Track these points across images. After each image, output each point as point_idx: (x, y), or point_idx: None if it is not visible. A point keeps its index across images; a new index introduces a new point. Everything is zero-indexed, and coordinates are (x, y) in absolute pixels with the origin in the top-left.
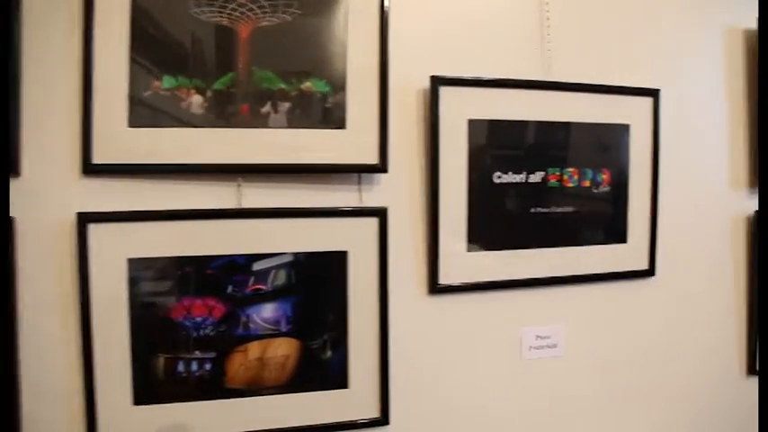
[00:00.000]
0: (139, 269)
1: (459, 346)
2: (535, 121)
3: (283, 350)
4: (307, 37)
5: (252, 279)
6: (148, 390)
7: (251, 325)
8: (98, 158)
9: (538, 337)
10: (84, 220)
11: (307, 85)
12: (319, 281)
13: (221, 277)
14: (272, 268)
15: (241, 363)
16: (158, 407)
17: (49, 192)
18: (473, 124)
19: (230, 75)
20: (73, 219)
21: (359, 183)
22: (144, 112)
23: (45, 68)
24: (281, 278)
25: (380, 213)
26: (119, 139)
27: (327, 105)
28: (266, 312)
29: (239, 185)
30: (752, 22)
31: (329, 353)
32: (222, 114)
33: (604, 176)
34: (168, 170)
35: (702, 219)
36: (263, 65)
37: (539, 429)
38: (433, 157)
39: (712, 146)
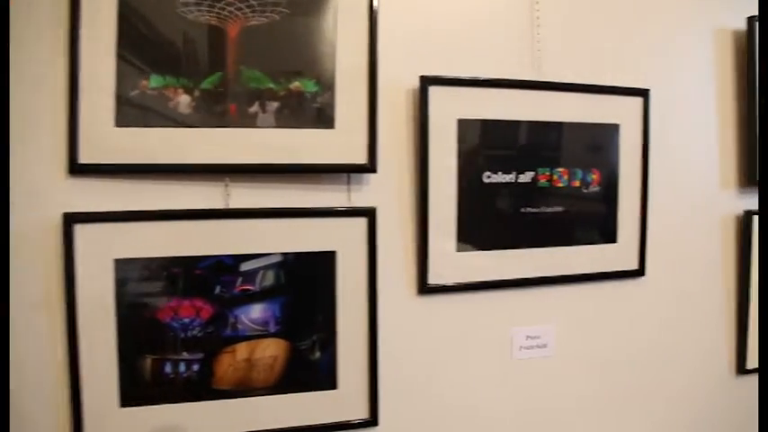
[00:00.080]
0: (126, 270)
1: (449, 347)
2: (525, 120)
3: (272, 351)
4: (295, 36)
5: (240, 279)
6: (135, 391)
7: (239, 326)
8: (84, 158)
9: (528, 337)
10: (71, 220)
11: (295, 84)
12: (308, 281)
13: (209, 278)
14: (260, 269)
15: (229, 364)
16: (145, 408)
17: (34, 192)
18: (463, 124)
19: (218, 74)
20: (59, 219)
21: (348, 183)
22: (131, 112)
23: (30, 66)
24: (269, 279)
25: (369, 213)
26: (105, 138)
27: (316, 105)
28: (254, 313)
29: (227, 185)
30: (741, 23)
31: (318, 353)
32: (210, 114)
33: (594, 176)
34: (155, 170)
35: (692, 218)
36: (251, 64)
37: (529, 429)
38: (422, 157)
39: (702, 146)
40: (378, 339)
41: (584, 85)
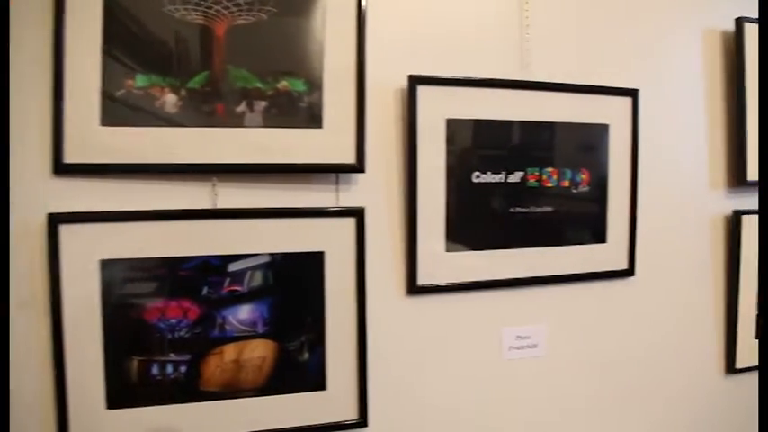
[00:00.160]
0: (112, 270)
1: (439, 347)
2: (514, 120)
3: (260, 352)
4: (283, 36)
5: (227, 280)
6: (122, 393)
7: (227, 327)
8: (69, 158)
9: (518, 337)
10: (55, 220)
11: (283, 84)
12: (296, 282)
13: (196, 278)
14: (247, 269)
15: (217, 365)
16: (132, 410)
17: (19, 192)
18: (451, 124)
19: (205, 73)
20: (43, 219)
21: (336, 183)
22: (117, 111)
23: (15, 65)
24: (257, 279)
25: (358, 213)
26: (91, 137)
27: (304, 105)
28: (242, 314)
29: (214, 185)
30: (729, 24)
31: (306, 354)
32: (197, 113)
33: (583, 176)
34: (141, 170)
35: (681, 218)
36: (238, 63)
37: (519, 429)
38: (410, 157)
39: (691, 146)
40: (367, 340)
41: (573, 85)
